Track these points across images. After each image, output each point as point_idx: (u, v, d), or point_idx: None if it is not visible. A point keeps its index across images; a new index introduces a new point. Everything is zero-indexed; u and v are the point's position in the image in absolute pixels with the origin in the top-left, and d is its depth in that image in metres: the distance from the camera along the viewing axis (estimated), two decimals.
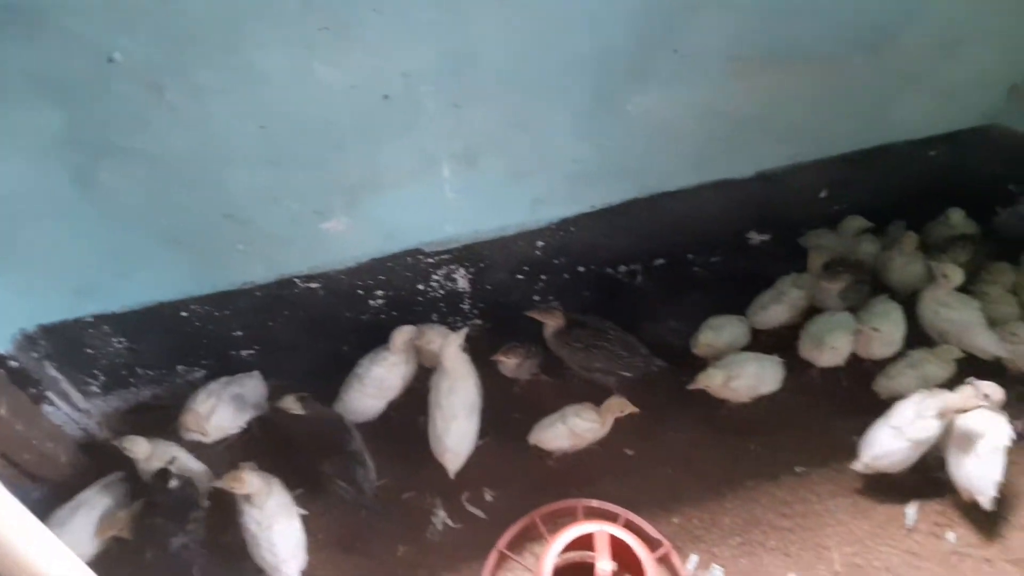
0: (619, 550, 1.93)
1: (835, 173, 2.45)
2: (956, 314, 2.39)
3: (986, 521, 2.21)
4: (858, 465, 2.21)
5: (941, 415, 2.14)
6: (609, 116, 2.00)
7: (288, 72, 1.66)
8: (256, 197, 1.88)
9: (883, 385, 2.41)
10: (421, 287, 2.34)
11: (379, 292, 2.31)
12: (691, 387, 2.32)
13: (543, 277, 2.46)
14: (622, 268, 2.53)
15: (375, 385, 2.37)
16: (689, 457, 2.35)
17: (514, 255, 2.35)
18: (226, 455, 2.37)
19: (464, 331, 2.29)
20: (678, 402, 2.41)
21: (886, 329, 2.35)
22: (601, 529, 1.80)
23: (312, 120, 1.76)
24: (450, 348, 2.30)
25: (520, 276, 2.42)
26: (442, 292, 2.39)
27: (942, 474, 2.24)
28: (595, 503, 2.22)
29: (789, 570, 2.18)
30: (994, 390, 2.20)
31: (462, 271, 2.34)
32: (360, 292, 2.28)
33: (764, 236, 2.57)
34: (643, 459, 2.39)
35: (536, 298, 2.52)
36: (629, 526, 2.16)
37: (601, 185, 2.22)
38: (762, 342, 2.56)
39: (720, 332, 2.47)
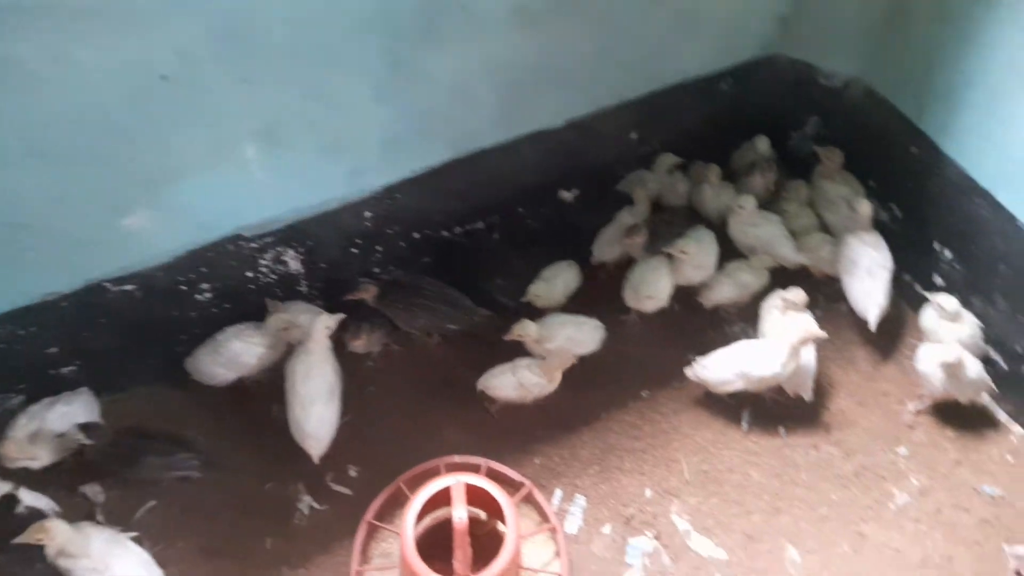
0: (481, 498, 1.99)
1: (640, 115, 2.56)
2: (761, 230, 2.60)
3: (809, 412, 2.46)
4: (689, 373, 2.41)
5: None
6: (407, 79, 1.99)
7: (48, 61, 1.54)
8: (41, 200, 1.74)
9: (705, 296, 2.61)
10: (250, 274, 2.26)
11: (204, 285, 2.21)
12: (507, 338, 2.38)
13: (378, 248, 2.44)
14: (458, 230, 2.55)
15: (228, 357, 2.30)
16: (541, 403, 2.44)
17: (343, 229, 2.31)
18: (64, 479, 2.22)
19: (338, 316, 2.26)
20: (516, 353, 2.46)
21: (695, 252, 2.51)
22: (456, 480, 1.84)
23: (87, 110, 1.64)
24: (318, 330, 2.25)
25: (354, 250, 2.39)
26: (274, 276, 2.32)
27: None
28: (456, 458, 2.26)
29: (644, 486, 2.32)
30: (797, 293, 2.44)
31: (291, 252, 2.28)
32: (183, 288, 2.17)
33: (581, 174, 2.67)
34: (500, 410, 2.46)
35: (376, 270, 2.49)
36: (491, 474, 2.23)
37: (416, 149, 2.22)
38: (601, 281, 2.70)
39: (552, 282, 2.55)
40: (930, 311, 2.41)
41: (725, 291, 2.59)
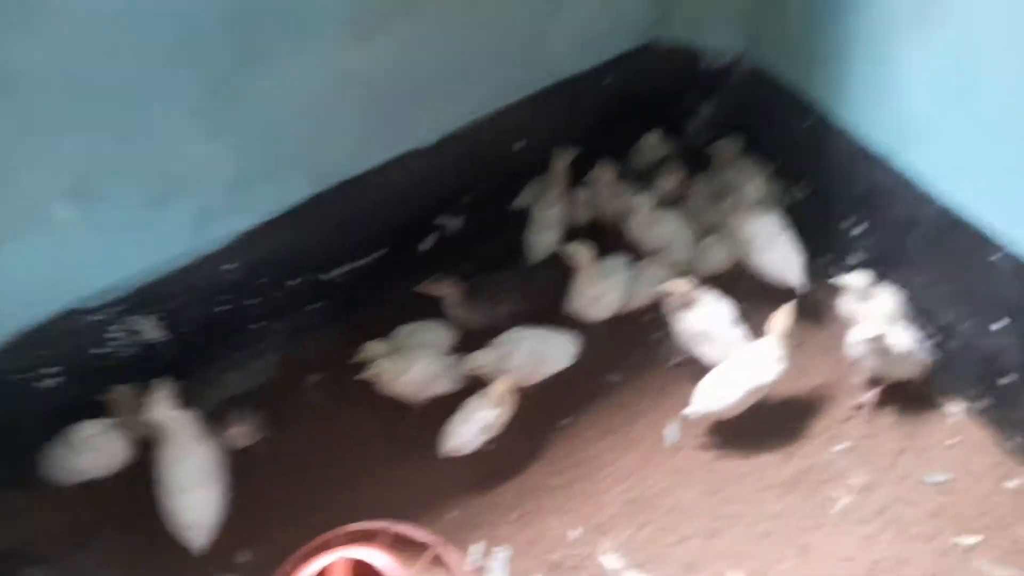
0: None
1: (522, 122, 2.38)
2: (661, 230, 2.45)
3: (739, 419, 2.22)
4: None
5: None
6: (235, 106, 1.78)
7: None
8: None
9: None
10: (98, 351, 2.01)
11: (46, 371, 1.95)
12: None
13: (251, 302, 2.21)
14: (338, 271, 2.34)
15: (85, 451, 2.03)
16: None
17: (203, 286, 2.07)
18: None
19: (165, 387, 2.01)
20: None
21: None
22: (339, 557, 1.62)
23: None
24: (158, 410, 2.00)
25: (224, 307, 2.17)
26: (132, 350, 2.07)
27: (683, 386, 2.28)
28: (353, 527, 2.02)
29: (570, 526, 2.11)
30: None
31: (145, 320, 2.04)
32: (19, 377, 1.92)
33: (471, 194, 2.47)
34: (401, 460, 2.24)
35: (252, 326, 2.28)
36: (397, 538, 2.00)
37: (270, 187, 2.00)
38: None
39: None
40: (842, 293, 2.27)
41: (643, 295, 2.39)
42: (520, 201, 2.61)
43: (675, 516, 2.11)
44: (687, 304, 2.27)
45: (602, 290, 2.33)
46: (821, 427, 2.24)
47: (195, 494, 2.00)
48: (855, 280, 2.23)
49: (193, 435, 2.04)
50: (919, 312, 2.23)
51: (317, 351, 2.42)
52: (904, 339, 2.16)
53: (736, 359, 2.18)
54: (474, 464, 2.22)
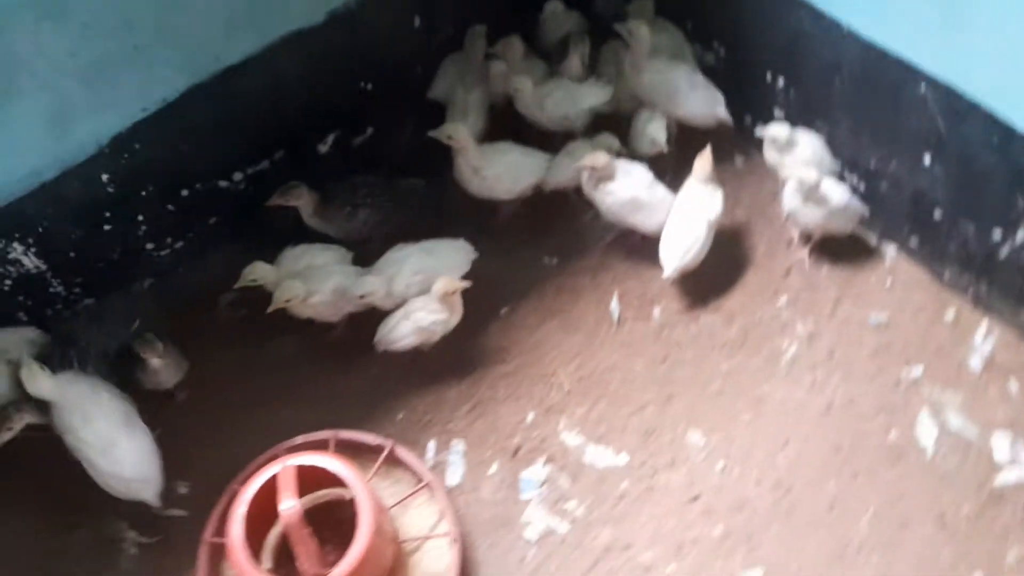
0: (330, 476, 1.64)
1: None
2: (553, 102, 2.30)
3: (680, 286, 2.22)
4: None
5: None
6: None
7: None
8: None
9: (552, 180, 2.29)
10: None
11: None
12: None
13: (139, 218, 1.97)
14: (238, 175, 2.11)
15: None
16: (391, 351, 2.10)
17: (78, 202, 1.82)
18: None
19: (33, 365, 1.72)
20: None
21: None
22: (283, 466, 1.47)
23: None
24: (36, 380, 1.72)
25: (106, 226, 1.91)
26: (11, 281, 1.82)
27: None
28: (299, 439, 1.87)
29: (525, 411, 2.04)
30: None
31: (18, 247, 1.77)
32: None
33: (369, 84, 2.26)
34: (333, 375, 2.11)
35: (149, 246, 2.03)
36: (343, 445, 1.87)
37: (138, 79, 1.74)
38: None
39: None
40: (766, 147, 2.21)
41: (567, 174, 2.26)
42: (435, 91, 2.44)
43: (628, 388, 2.07)
44: (608, 176, 2.17)
45: (483, 164, 2.20)
46: (761, 284, 2.22)
47: (123, 446, 1.78)
48: (773, 131, 2.18)
49: (88, 388, 1.82)
50: (847, 162, 2.21)
51: (226, 269, 2.15)
52: (837, 190, 2.13)
53: (677, 211, 2.12)
54: (415, 365, 2.11)
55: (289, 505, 1.37)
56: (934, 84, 1.86)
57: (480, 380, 2.10)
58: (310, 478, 1.62)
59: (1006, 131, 1.75)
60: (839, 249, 2.25)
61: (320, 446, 1.85)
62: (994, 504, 1.86)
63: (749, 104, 2.34)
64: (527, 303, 2.21)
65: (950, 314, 2.14)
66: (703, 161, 2.13)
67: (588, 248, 2.32)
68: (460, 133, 2.16)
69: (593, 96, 2.35)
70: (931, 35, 1.84)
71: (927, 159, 2.00)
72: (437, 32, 2.30)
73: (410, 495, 1.83)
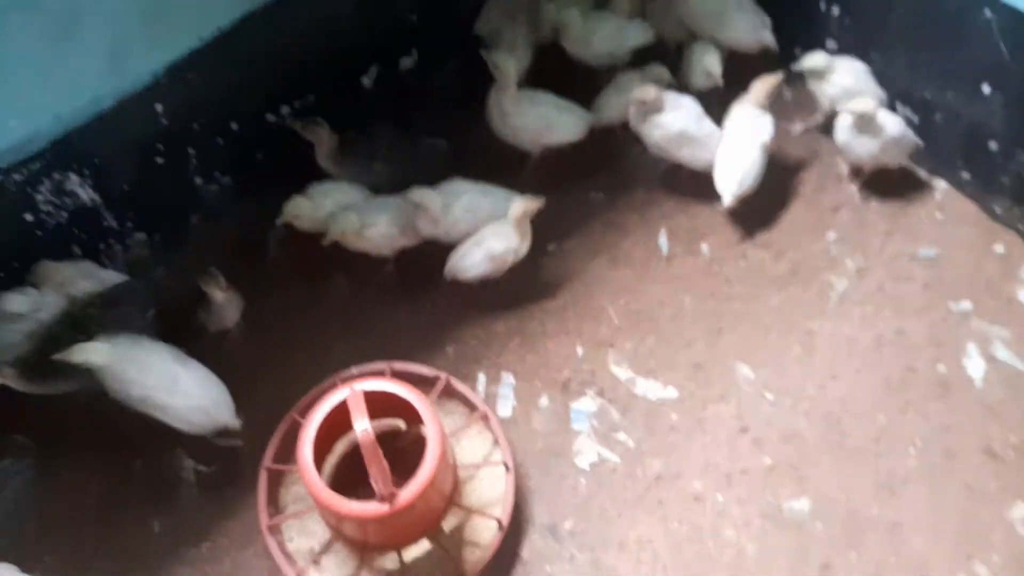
0: (392, 405, 1.66)
1: None
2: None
3: (728, 221, 2.22)
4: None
5: None
6: None
7: None
8: None
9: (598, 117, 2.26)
10: (30, 217, 1.75)
11: None
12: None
13: (191, 151, 1.97)
14: (285, 110, 2.09)
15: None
16: (441, 286, 2.11)
17: (132, 135, 1.81)
18: None
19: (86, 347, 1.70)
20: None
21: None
22: (351, 390, 1.50)
23: None
24: (91, 352, 1.70)
25: (159, 159, 1.92)
26: (66, 214, 1.82)
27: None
28: (354, 370, 1.89)
29: (574, 345, 2.05)
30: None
31: (74, 178, 1.77)
32: None
33: (415, 16, 2.22)
34: (383, 310, 2.11)
35: (199, 180, 2.04)
36: (398, 376, 1.89)
37: (192, 8, 1.73)
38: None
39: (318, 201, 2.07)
40: (808, 78, 2.19)
41: (615, 110, 2.23)
42: (481, 26, 2.39)
43: (677, 323, 2.08)
44: (657, 109, 2.14)
45: (514, 111, 2.15)
46: (810, 219, 2.21)
47: (184, 380, 1.79)
48: (812, 60, 2.15)
49: (130, 346, 1.79)
50: (900, 93, 2.17)
51: (275, 207, 2.13)
52: (891, 123, 2.10)
53: (730, 137, 2.11)
54: (463, 300, 2.12)
55: (363, 426, 1.40)
56: (1000, 7, 1.81)
57: (529, 315, 2.11)
58: (368, 405, 1.65)
59: None
60: (889, 184, 2.23)
61: (376, 376, 1.87)
62: None
63: (802, 34, 2.29)
64: (574, 239, 2.20)
65: (1000, 248, 2.13)
66: (765, 84, 2.10)
67: (636, 184, 2.30)
68: (507, 65, 2.13)
69: (638, 35, 2.31)
70: None
71: (986, 88, 1.97)
72: None
73: (465, 425, 1.86)
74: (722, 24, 2.25)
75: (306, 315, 2.14)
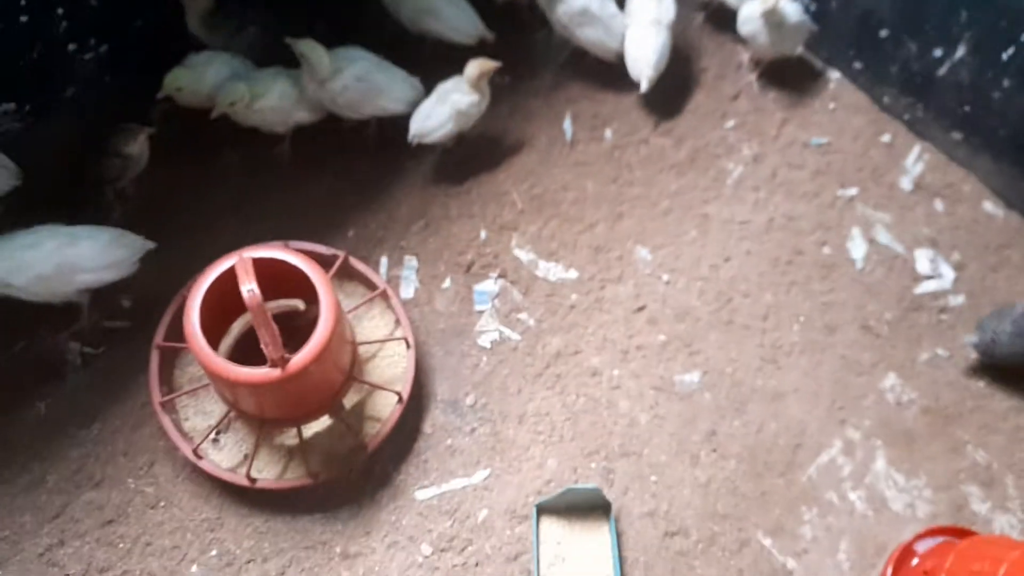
0: (287, 281, 1.62)
1: None
2: None
3: (633, 107, 2.23)
4: None
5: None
6: None
7: None
8: None
9: None
10: None
11: None
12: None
13: (59, 10, 1.77)
14: None
15: None
16: (339, 168, 2.05)
17: None
18: None
19: None
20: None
21: None
22: (240, 257, 1.45)
23: None
24: None
25: (23, 16, 1.71)
26: None
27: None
28: (251, 248, 1.82)
29: (478, 229, 2.04)
30: None
31: None
32: None
33: None
34: (279, 190, 2.05)
35: (72, 47, 1.86)
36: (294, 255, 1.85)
37: None
38: None
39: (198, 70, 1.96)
40: None
41: None
42: None
43: (579, 206, 2.10)
44: None
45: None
46: (711, 107, 2.25)
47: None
48: None
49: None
50: None
51: (156, 80, 2.03)
52: (792, 8, 2.13)
53: (634, 21, 2.11)
54: (366, 181, 2.08)
55: (250, 287, 1.35)
56: None
57: (432, 199, 2.09)
58: (265, 287, 1.61)
59: None
60: (786, 74, 2.28)
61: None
62: (913, 311, 2.01)
63: None
64: (479, 123, 2.15)
65: (886, 137, 2.22)
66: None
67: (542, 69, 2.28)
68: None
69: None
70: None
71: None
72: None
73: (366, 301, 1.84)
74: None
75: (197, 195, 2.05)
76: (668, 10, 2.10)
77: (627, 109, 2.22)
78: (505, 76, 2.24)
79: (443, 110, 1.99)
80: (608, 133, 2.20)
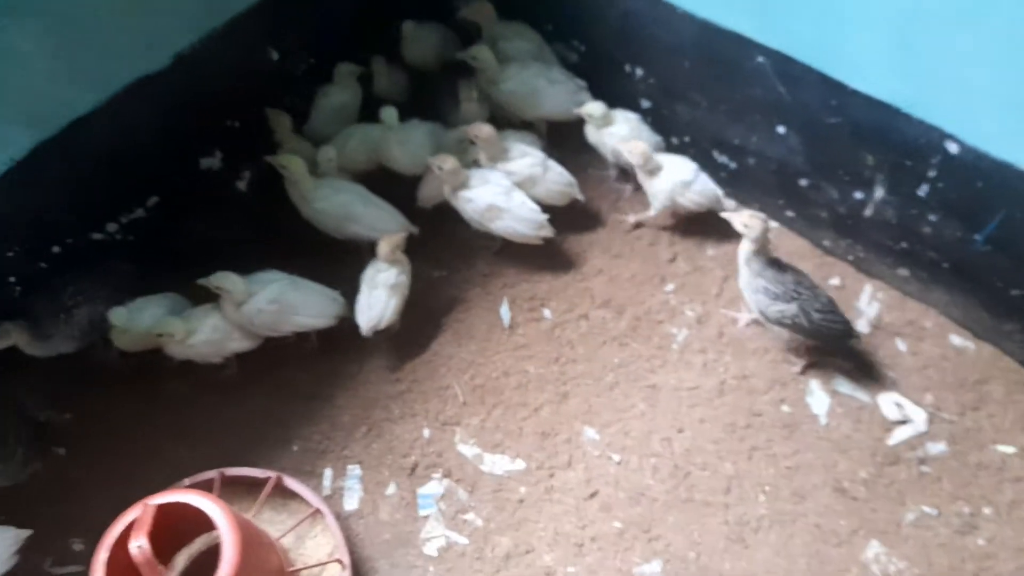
0: (198, 516, 1.61)
1: (264, 26, 2.18)
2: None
3: (568, 283, 2.22)
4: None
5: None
6: None
7: None
8: None
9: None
10: None
11: None
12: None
13: (10, 279, 1.96)
14: (113, 226, 2.10)
15: None
16: (282, 381, 2.09)
17: None
18: None
19: None
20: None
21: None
22: (145, 506, 1.45)
23: None
24: None
25: None
26: None
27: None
28: (187, 481, 1.83)
29: (420, 428, 2.02)
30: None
31: None
32: None
33: (236, 123, 2.29)
34: (221, 414, 2.07)
35: (16, 292, 2.03)
36: (231, 481, 1.85)
37: None
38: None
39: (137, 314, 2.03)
40: (587, 126, 2.28)
41: (434, 188, 2.25)
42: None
43: (522, 391, 2.06)
44: (462, 184, 2.16)
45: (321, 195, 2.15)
46: (648, 273, 2.22)
47: None
48: (590, 107, 2.23)
49: None
50: (714, 141, 2.22)
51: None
52: (683, 166, 2.18)
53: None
54: (307, 394, 2.09)
55: (137, 543, 1.35)
56: (768, 53, 1.88)
57: (374, 402, 2.08)
58: (200, 521, 1.60)
59: (839, 89, 1.78)
60: (722, 229, 2.24)
61: (208, 485, 1.83)
62: (889, 465, 1.85)
63: (616, 96, 2.33)
64: (418, 320, 2.19)
65: (835, 280, 2.15)
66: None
67: (475, 257, 2.31)
68: (293, 163, 2.14)
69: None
70: (755, 4, 1.86)
71: (781, 128, 2.03)
72: (295, 62, 2.34)
73: (296, 525, 1.81)
74: (536, 100, 2.31)
75: (147, 424, 2.08)
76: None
77: (564, 286, 2.22)
78: (442, 270, 2.29)
79: (379, 294, 2.04)
80: (547, 312, 2.19)
